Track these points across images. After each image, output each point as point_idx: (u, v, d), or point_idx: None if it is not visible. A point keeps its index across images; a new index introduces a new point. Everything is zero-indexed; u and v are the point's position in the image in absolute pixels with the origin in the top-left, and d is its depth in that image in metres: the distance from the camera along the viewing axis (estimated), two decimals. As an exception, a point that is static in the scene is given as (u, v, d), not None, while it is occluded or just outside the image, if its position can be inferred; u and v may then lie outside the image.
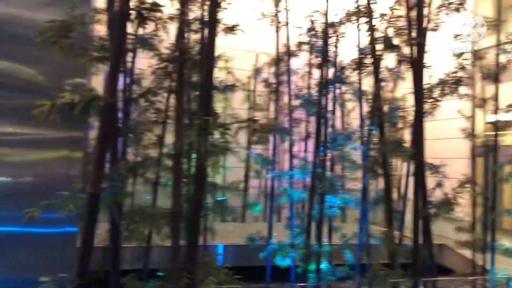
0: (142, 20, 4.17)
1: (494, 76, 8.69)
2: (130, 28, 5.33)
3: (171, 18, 4.93)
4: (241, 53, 13.06)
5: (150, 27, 5.27)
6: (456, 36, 8.76)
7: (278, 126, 7.28)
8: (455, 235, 9.42)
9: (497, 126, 8.98)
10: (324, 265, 7.21)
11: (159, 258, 5.64)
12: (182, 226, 4.70)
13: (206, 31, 4.86)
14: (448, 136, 12.80)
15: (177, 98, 3.94)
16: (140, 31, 5.17)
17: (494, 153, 8.69)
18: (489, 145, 8.77)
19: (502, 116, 9.04)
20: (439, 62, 6.77)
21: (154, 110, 5.81)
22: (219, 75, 11.13)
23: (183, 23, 3.95)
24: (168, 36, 4.82)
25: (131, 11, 4.13)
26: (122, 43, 3.59)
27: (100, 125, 3.45)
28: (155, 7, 4.16)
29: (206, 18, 4.65)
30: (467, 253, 9.18)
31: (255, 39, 12.68)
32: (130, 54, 5.69)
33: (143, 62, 6.33)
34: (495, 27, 8.56)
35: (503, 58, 8.53)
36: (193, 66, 3.85)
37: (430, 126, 6.37)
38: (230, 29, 7.02)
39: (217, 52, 10.04)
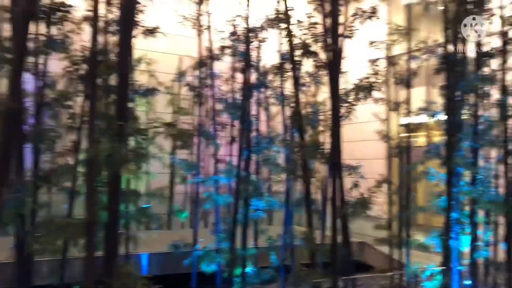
0: (49, 20, 3.92)
1: (406, 81, 9.27)
2: (42, 28, 5.04)
3: (85, 19, 4.71)
4: (164, 56, 12.83)
5: (65, 28, 5.02)
6: (371, 43, 9.25)
7: (200, 130, 7.21)
8: (374, 233, 9.89)
9: (410, 128, 9.59)
10: (249, 269, 7.24)
11: (78, 271, 5.35)
12: (100, 236, 4.50)
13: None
14: (365, 138, 13.44)
15: (90, 102, 3.75)
16: (55, 32, 4.90)
17: (408, 153, 9.25)
18: (403, 146, 9.32)
19: (414, 119, 9.66)
20: (356, 68, 7.08)
21: (68, 115, 5.52)
22: (141, 78, 10.86)
23: (96, 25, 3.77)
24: (82, 38, 4.59)
25: (37, 11, 3.87)
26: (24, 44, 3.35)
27: (1, 132, 3.18)
28: (64, 7, 3.93)
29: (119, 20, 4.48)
30: (385, 249, 9.66)
31: (179, 43, 12.52)
32: (42, 56, 5.38)
33: (58, 65, 5.99)
34: (406, 35, 9.12)
35: (414, 64, 9.12)
36: (108, 69, 3.67)
37: (348, 129, 6.63)
38: (150, 32, 6.87)
39: (138, 55, 9.79)
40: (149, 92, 6.20)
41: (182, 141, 4.58)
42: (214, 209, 8.00)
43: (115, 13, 6.20)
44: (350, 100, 5.35)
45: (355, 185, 5.42)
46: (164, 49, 12.64)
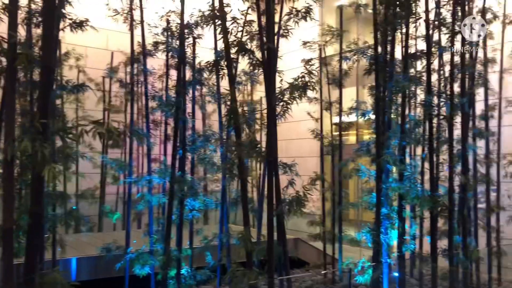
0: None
1: (338, 81, 9.55)
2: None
3: (3, 9, 4.37)
4: (95, 51, 12.28)
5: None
6: (304, 43, 9.42)
7: (132, 129, 6.96)
8: (308, 229, 10.10)
9: (342, 127, 9.90)
10: (184, 270, 7.10)
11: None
12: (22, 242, 4.18)
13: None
14: (299, 136, 13.71)
15: (7, 98, 3.46)
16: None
17: (340, 151, 9.53)
18: (335, 144, 9.60)
19: (346, 118, 9.98)
20: (290, 68, 7.16)
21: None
22: (69, 73, 10.31)
23: (15, 14, 3.49)
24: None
25: None
26: None
27: None
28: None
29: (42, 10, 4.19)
30: (319, 245, 9.90)
31: (110, 37, 12.03)
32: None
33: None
34: (338, 36, 9.38)
35: (345, 65, 9.40)
36: (28, 62, 3.40)
37: (283, 127, 6.69)
38: (78, 25, 6.51)
39: (65, 49, 9.26)
40: (78, 88, 5.86)
41: (112, 139, 4.37)
42: (148, 210, 7.76)
43: (38, 3, 5.86)
44: (285, 99, 5.38)
45: (291, 183, 5.45)
46: (95, 44, 12.10)
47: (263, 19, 5.36)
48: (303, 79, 5.36)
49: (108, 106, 10.90)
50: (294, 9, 5.71)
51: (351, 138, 13.30)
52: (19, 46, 3.56)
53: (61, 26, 5.73)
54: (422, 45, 6.94)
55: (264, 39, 5.31)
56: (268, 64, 5.16)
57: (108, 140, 3.51)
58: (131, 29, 7.52)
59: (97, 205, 11.42)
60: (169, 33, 7.22)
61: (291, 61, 8.54)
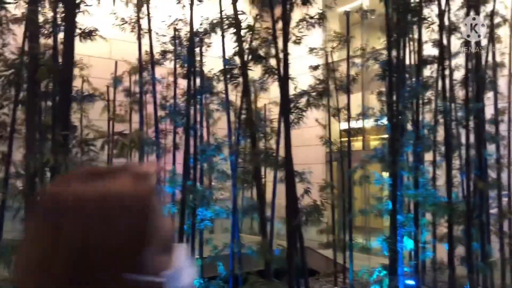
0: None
1: (346, 87, 9.48)
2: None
3: (16, 19, 4.29)
4: (98, 60, 12.17)
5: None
6: (310, 50, 9.36)
7: (147, 139, 6.87)
8: (317, 237, 9.99)
9: (350, 133, 9.82)
10: (196, 281, 6.98)
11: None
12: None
13: (59, 35, 4.31)
14: (305, 143, 13.63)
15: (28, 110, 3.37)
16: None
17: (348, 158, 9.45)
18: (343, 151, 9.51)
19: (353, 124, 9.91)
20: (298, 74, 7.10)
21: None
22: (75, 83, 10.21)
23: (34, 25, 3.41)
24: (14, 40, 4.15)
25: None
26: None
27: None
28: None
29: (60, 21, 4.11)
30: (327, 253, 9.79)
31: (114, 46, 11.95)
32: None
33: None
34: (344, 42, 9.33)
35: (352, 71, 9.35)
36: (47, 74, 3.32)
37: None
38: (88, 34, 6.44)
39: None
40: (88, 98, 5.78)
41: (124, 149, 4.29)
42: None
43: (49, 14, 5.78)
44: (300, 106, 5.31)
45: (306, 191, 5.37)
46: (101, 53, 12.02)
47: (277, 26, 5.30)
48: (318, 85, 5.30)
49: (113, 116, 10.77)
50: (307, 16, 5.66)
51: (357, 144, 13.24)
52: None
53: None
54: (432, 50, 6.91)
55: (279, 46, 5.25)
56: (285, 72, 5.09)
57: (121, 149, 3.42)
58: (139, 38, 7.46)
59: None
60: (177, 41, 7.17)
61: (297, 67, 8.48)
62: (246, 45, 5.65)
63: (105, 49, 11.87)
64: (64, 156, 3.18)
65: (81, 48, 7.69)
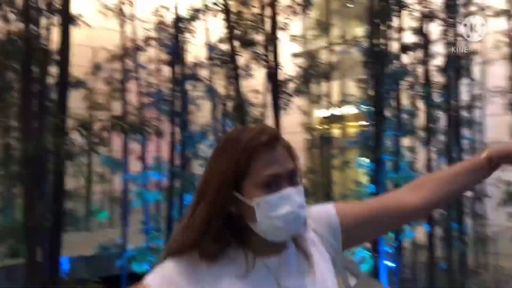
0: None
1: (326, 74, 9.61)
2: None
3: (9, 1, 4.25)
4: (77, 48, 11.95)
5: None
6: (292, 37, 9.43)
7: (141, 124, 6.81)
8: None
9: (330, 120, 9.99)
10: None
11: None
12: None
13: (50, 20, 4.29)
14: (284, 131, 13.71)
15: (25, 95, 3.38)
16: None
17: (328, 144, 9.63)
18: (323, 137, 9.68)
19: (334, 111, 10.07)
20: (285, 62, 7.19)
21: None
22: (53, 70, 10.03)
23: (30, 8, 3.41)
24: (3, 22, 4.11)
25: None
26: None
27: None
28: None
29: (51, 5, 4.09)
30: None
31: (95, 33, 11.73)
32: None
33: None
34: (325, 29, 9.44)
35: (333, 58, 9.47)
36: (43, 58, 3.33)
37: (268, 122, 6.70)
38: (71, 21, 6.36)
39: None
40: (78, 85, 5.76)
41: (102, 137, 4.27)
42: (143, 207, 7.66)
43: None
44: (288, 92, 5.42)
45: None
46: (83, 40, 11.79)
47: (266, 12, 5.38)
48: (306, 71, 5.41)
49: (93, 103, 10.64)
50: (294, 2, 5.74)
51: (337, 131, 13.44)
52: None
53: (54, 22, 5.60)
54: (411, 38, 7.08)
55: (267, 31, 5.33)
56: (272, 57, 5.19)
57: (100, 137, 3.47)
58: (121, 25, 7.39)
59: (83, 204, 11.16)
60: (162, 27, 7.14)
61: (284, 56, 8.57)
62: (235, 31, 5.71)
63: (86, 36, 11.67)
64: (63, 140, 3.21)
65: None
